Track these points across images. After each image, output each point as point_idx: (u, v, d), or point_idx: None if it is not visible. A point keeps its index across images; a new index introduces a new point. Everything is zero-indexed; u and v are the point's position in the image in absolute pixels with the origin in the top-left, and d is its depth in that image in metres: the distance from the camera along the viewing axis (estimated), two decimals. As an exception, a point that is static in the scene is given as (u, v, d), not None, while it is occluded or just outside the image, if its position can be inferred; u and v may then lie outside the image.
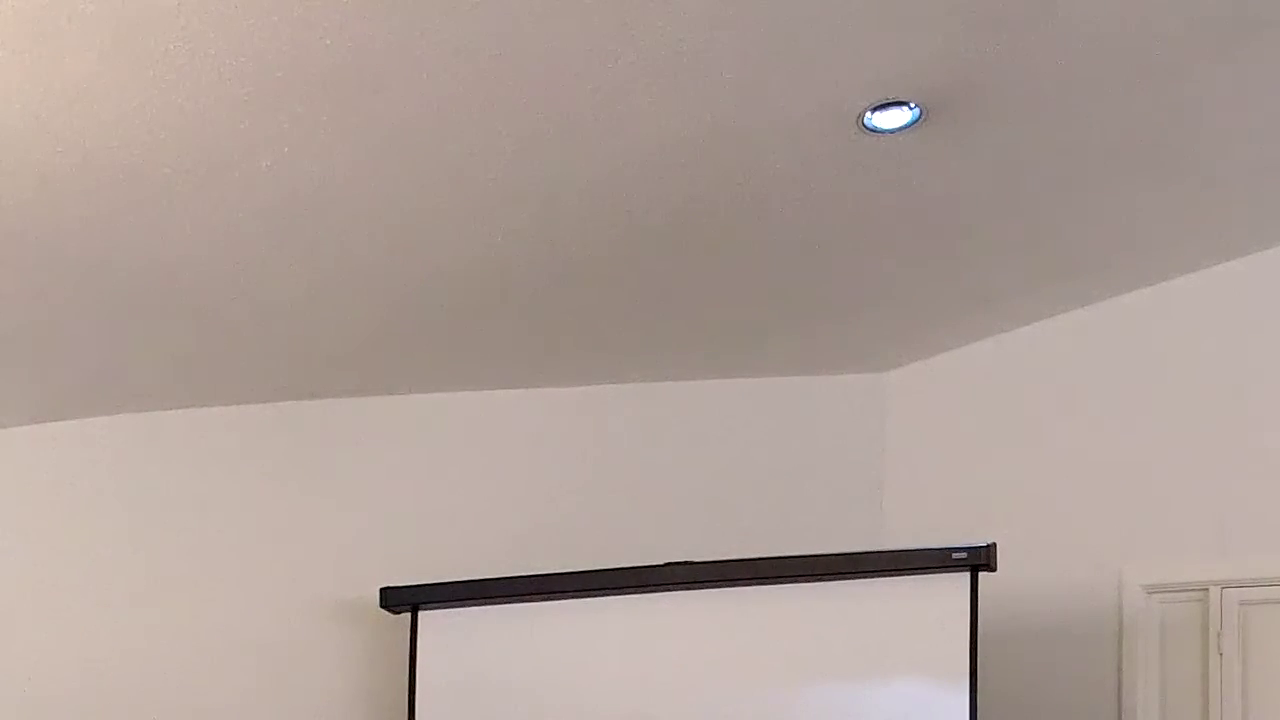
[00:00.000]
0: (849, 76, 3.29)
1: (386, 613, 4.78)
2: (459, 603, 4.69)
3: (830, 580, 4.31)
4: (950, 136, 3.61)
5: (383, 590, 4.73)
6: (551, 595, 4.59)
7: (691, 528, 5.06)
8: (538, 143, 3.46)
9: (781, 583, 4.37)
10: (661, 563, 4.50)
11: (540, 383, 5.12)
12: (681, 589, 4.46)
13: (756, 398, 5.19)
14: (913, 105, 3.43)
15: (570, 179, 3.66)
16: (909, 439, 5.14)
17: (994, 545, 4.11)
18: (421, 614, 4.72)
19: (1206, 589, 4.46)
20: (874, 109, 3.43)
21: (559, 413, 5.16)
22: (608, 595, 4.52)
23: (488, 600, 4.66)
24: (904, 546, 4.41)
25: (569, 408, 5.16)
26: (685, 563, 4.47)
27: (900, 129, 3.53)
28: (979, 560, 4.11)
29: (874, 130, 3.52)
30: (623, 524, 5.08)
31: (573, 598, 4.57)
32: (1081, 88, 3.45)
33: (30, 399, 4.87)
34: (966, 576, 4.13)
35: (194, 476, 5.09)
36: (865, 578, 4.27)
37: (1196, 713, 4.46)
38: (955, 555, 4.14)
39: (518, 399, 5.15)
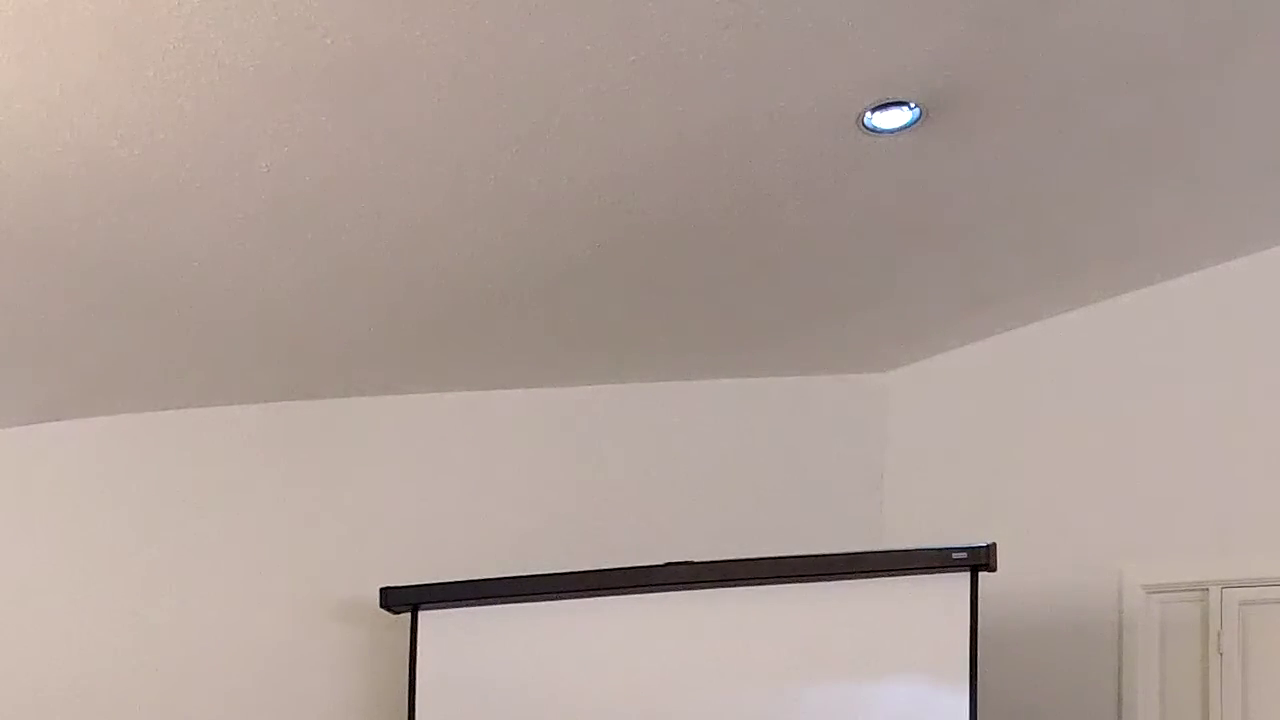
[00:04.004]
0: (849, 76, 3.29)
1: (386, 613, 4.78)
2: (459, 603, 4.69)
3: (830, 580, 4.31)
4: (950, 136, 3.61)
5: (383, 590, 4.73)
6: (551, 595, 4.59)
7: (691, 528, 5.06)
8: (538, 143, 3.46)
9: (781, 583, 4.37)
10: (661, 563, 4.50)
11: (540, 383, 5.12)
12: (681, 589, 4.46)
13: (756, 398, 5.19)
14: (913, 105, 3.43)
15: (570, 179, 3.66)
16: (909, 439, 5.14)
17: (994, 545, 4.11)
18: (421, 614, 4.72)
19: (1206, 589, 4.46)
20: (874, 109, 3.43)
21: (559, 413, 5.16)
22: (608, 595, 4.52)
23: (488, 600, 4.66)
24: (904, 546, 4.41)
25: (569, 408, 5.16)
26: (685, 563, 4.47)
27: (900, 129, 3.53)
28: (979, 560, 4.11)
29: (874, 130, 3.52)
30: (623, 524, 5.08)
31: (573, 598, 4.57)
32: (1081, 88, 3.45)
33: (30, 399, 4.87)
34: (966, 576, 4.14)
35: (194, 476, 5.09)
36: (865, 578, 4.27)
37: (1196, 713, 4.46)
38: (955, 555, 4.14)
39: (518, 399, 5.15)
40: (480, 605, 4.67)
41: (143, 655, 4.99)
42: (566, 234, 3.96)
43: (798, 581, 4.35)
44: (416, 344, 4.69)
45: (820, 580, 4.32)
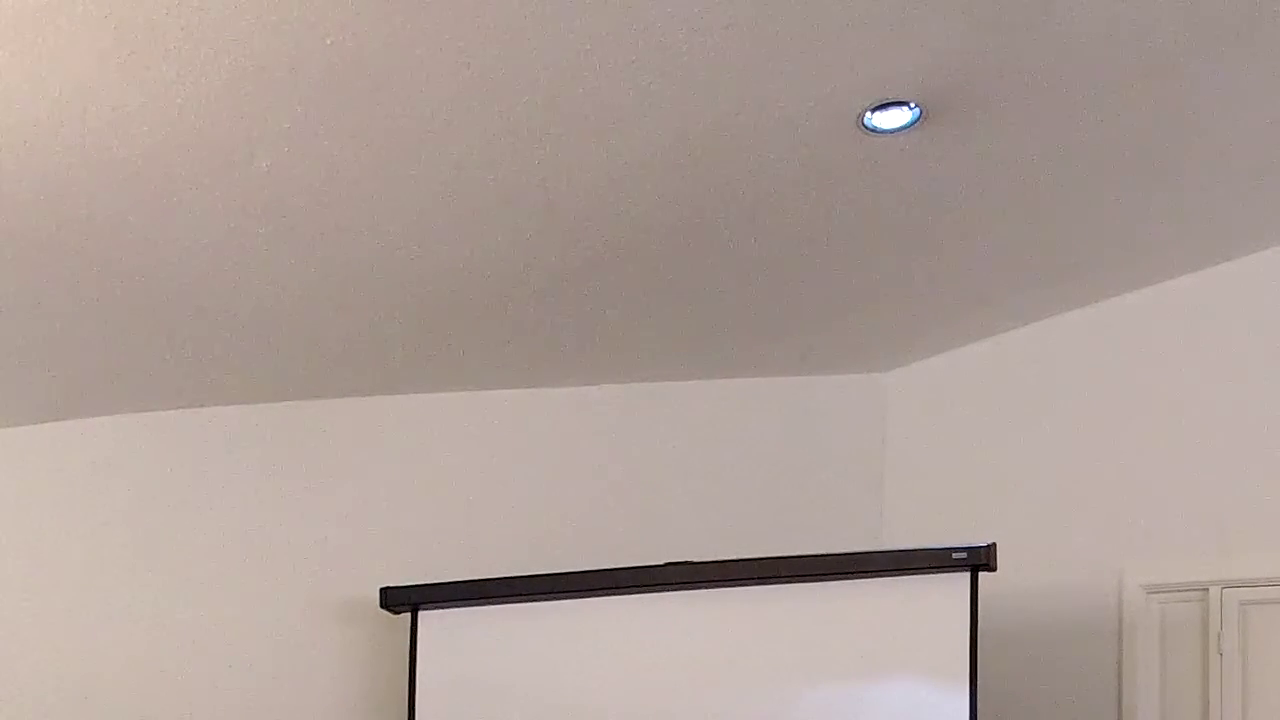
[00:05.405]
0: (849, 76, 3.29)
1: (386, 613, 4.78)
2: (459, 603, 4.69)
3: (830, 580, 4.31)
4: (950, 136, 3.61)
5: (383, 590, 4.73)
6: (551, 595, 4.60)
7: (691, 528, 5.06)
8: (538, 143, 3.46)
9: (781, 583, 4.37)
10: (661, 563, 4.50)
11: (540, 383, 5.12)
12: (681, 589, 4.46)
13: (756, 398, 5.19)
14: (913, 105, 3.43)
15: (570, 179, 3.66)
16: (909, 439, 5.14)
17: (994, 545, 4.11)
18: (421, 614, 4.73)
19: (1206, 589, 4.46)
20: (874, 109, 3.44)
21: (559, 413, 5.16)
22: (608, 595, 4.53)
23: (488, 600, 4.66)
24: (904, 546, 4.41)
25: (569, 408, 5.16)
26: (685, 563, 4.47)
27: (900, 129, 3.53)
28: (979, 560, 4.12)
29: (874, 130, 3.52)
30: (623, 524, 5.08)
31: (573, 598, 4.57)
32: (1081, 88, 3.45)
33: (30, 399, 4.87)
34: (966, 576, 4.14)
35: (194, 476, 5.09)
36: (865, 578, 4.27)
37: (1196, 713, 4.46)
38: (955, 555, 4.14)
39: (518, 399, 5.15)
40: (480, 605, 4.67)
41: (143, 655, 4.98)
42: (566, 234, 3.96)
43: (798, 581, 4.35)
44: (416, 344, 4.69)
45: (820, 580, 4.32)
